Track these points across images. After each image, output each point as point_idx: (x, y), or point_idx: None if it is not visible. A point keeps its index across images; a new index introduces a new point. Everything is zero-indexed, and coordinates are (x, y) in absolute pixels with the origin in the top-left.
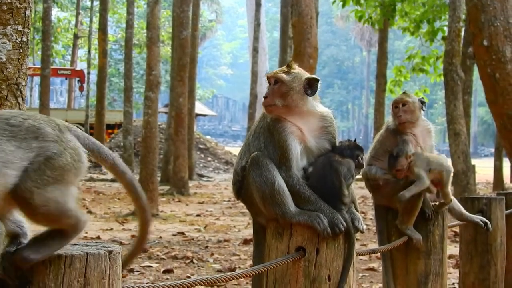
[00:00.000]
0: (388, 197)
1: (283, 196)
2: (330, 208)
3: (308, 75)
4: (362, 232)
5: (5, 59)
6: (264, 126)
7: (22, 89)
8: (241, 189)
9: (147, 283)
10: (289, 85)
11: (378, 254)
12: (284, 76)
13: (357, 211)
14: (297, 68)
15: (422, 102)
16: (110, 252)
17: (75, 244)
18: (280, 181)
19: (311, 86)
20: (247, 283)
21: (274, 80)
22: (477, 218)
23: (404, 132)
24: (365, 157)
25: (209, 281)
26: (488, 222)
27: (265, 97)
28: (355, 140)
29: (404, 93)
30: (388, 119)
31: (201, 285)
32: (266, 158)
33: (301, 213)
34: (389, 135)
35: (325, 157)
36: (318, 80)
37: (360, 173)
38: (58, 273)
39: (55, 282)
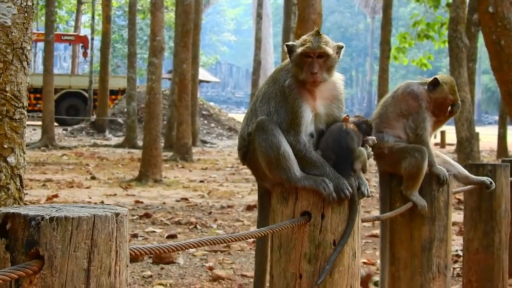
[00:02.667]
0: (392, 164)
1: (289, 161)
2: (336, 173)
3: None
4: (367, 197)
5: (10, 23)
6: (276, 91)
7: (27, 53)
8: (247, 154)
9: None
10: (333, 57)
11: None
12: (330, 50)
13: (365, 171)
14: (324, 36)
15: None
16: (117, 214)
17: (82, 206)
18: (285, 146)
19: (338, 54)
20: (250, 249)
21: (318, 54)
22: (483, 178)
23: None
24: (373, 123)
25: (214, 241)
26: (493, 182)
27: (314, 73)
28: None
29: None
30: (408, 81)
31: (206, 245)
32: (272, 123)
33: (306, 177)
34: (409, 98)
35: (340, 123)
36: (343, 47)
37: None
38: (65, 234)
39: (62, 243)
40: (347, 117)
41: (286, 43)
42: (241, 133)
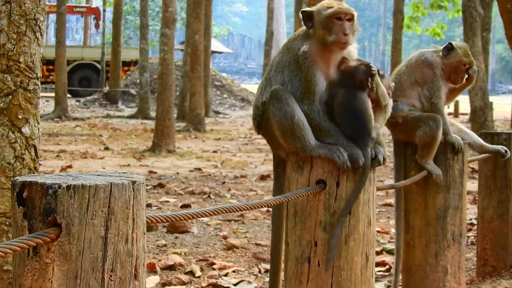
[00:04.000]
0: (407, 132)
1: (303, 130)
2: (350, 142)
3: None
4: (382, 164)
5: None
6: (290, 60)
7: (40, 24)
8: (262, 123)
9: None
10: (356, 21)
11: (394, 190)
12: (355, 12)
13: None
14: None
15: None
16: (133, 182)
17: (99, 175)
18: (299, 115)
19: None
20: (264, 218)
21: (349, 16)
22: (498, 147)
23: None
24: None
25: (229, 210)
26: (508, 151)
27: (347, 34)
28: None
29: None
30: (422, 50)
31: (222, 213)
32: (286, 92)
33: (321, 146)
34: (424, 67)
35: (351, 90)
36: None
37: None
38: (82, 202)
39: (79, 211)
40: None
41: (302, 9)
42: (255, 103)
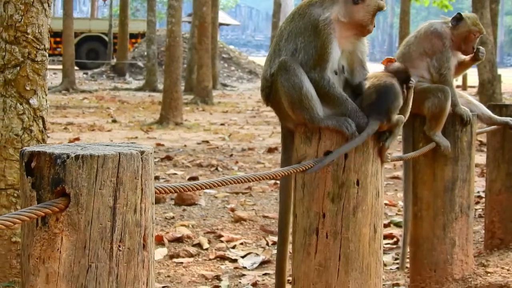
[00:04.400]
0: (415, 104)
1: (311, 101)
2: (359, 111)
3: None
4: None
5: None
6: (306, 26)
7: None
8: (270, 95)
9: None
10: None
11: (402, 163)
12: None
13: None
14: None
15: None
16: (142, 152)
17: (107, 145)
18: (308, 86)
19: None
20: (271, 190)
21: None
22: (506, 118)
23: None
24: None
25: (238, 180)
26: None
27: (374, 26)
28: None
29: None
30: (431, 21)
31: (230, 183)
32: (295, 62)
33: (329, 117)
34: (433, 37)
35: (387, 77)
36: None
37: None
38: (90, 172)
39: (88, 181)
40: (391, 59)
41: None
42: (263, 74)
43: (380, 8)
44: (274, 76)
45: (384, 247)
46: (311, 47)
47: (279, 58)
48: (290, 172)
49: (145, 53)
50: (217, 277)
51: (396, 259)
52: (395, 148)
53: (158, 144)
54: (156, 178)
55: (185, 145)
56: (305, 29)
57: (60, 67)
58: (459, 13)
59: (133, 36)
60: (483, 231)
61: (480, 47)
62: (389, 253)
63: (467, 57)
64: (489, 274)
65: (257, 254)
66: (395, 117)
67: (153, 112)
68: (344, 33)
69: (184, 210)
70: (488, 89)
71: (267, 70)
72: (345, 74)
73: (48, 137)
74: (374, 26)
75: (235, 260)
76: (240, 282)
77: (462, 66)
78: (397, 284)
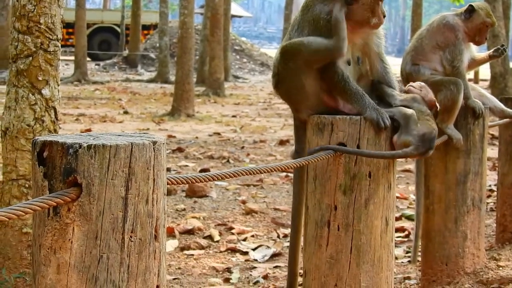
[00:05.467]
0: None
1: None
2: (375, 105)
3: None
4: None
5: None
6: (310, 20)
7: None
8: (279, 81)
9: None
10: None
11: None
12: None
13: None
14: None
15: None
16: (154, 142)
17: (119, 135)
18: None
19: None
20: (283, 183)
21: None
22: None
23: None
24: (408, 56)
25: (250, 172)
26: None
27: (384, 16)
28: None
29: None
30: (444, 14)
31: (242, 175)
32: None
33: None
34: (445, 30)
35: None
36: None
37: (404, 73)
38: (102, 162)
39: (100, 171)
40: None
41: None
42: (274, 61)
43: (376, 3)
44: (279, 61)
45: (395, 240)
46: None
47: None
48: (301, 164)
49: (157, 45)
50: (228, 270)
51: (407, 252)
52: None
53: (170, 136)
54: (168, 169)
55: (196, 137)
56: (309, 22)
57: (72, 58)
58: (471, 5)
59: (146, 27)
60: (495, 225)
61: (504, 44)
62: (400, 246)
63: (485, 54)
64: (500, 268)
65: (268, 247)
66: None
67: (165, 103)
68: (349, 27)
69: (195, 202)
70: (500, 82)
71: (276, 56)
72: (361, 65)
73: (60, 128)
74: (385, 16)
75: (246, 253)
76: (251, 275)
77: (477, 62)
78: (408, 277)
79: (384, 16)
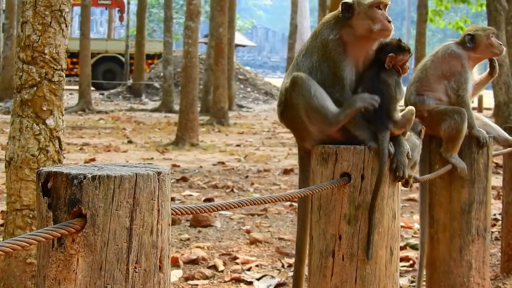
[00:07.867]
0: (432, 126)
1: (324, 103)
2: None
3: None
4: (400, 177)
5: None
6: (319, 45)
7: (65, 15)
8: (285, 111)
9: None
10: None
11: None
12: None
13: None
14: None
15: None
16: (159, 173)
17: (124, 165)
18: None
19: None
20: (287, 212)
21: (386, 4)
22: None
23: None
24: (413, 87)
25: (254, 202)
26: None
27: (390, 21)
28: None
29: None
30: (446, 43)
31: (247, 205)
32: (307, 77)
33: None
34: (451, 59)
35: (372, 70)
36: None
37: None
38: (107, 193)
39: (104, 202)
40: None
41: (343, 1)
42: (280, 89)
43: (374, 4)
44: (288, 91)
45: (400, 269)
46: (325, 66)
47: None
48: (305, 194)
49: (162, 74)
50: None
51: (412, 282)
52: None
53: (174, 165)
54: (172, 199)
55: (200, 166)
56: (318, 48)
57: (77, 87)
58: (468, 34)
59: (150, 56)
60: (500, 254)
61: (494, 58)
62: (405, 276)
63: (482, 75)
64: None
65: (272, 277)
66: (397, 114)
67: (169, 133)
68: (359, 49)
69: (199, 231)
70: (504, 111)
71: (284, 84)
72: None
73: (64, 157)
74: (390, 21)
75: (250, 283)
76: None
77: (479, 85)
78: None
79: (390, 22)
